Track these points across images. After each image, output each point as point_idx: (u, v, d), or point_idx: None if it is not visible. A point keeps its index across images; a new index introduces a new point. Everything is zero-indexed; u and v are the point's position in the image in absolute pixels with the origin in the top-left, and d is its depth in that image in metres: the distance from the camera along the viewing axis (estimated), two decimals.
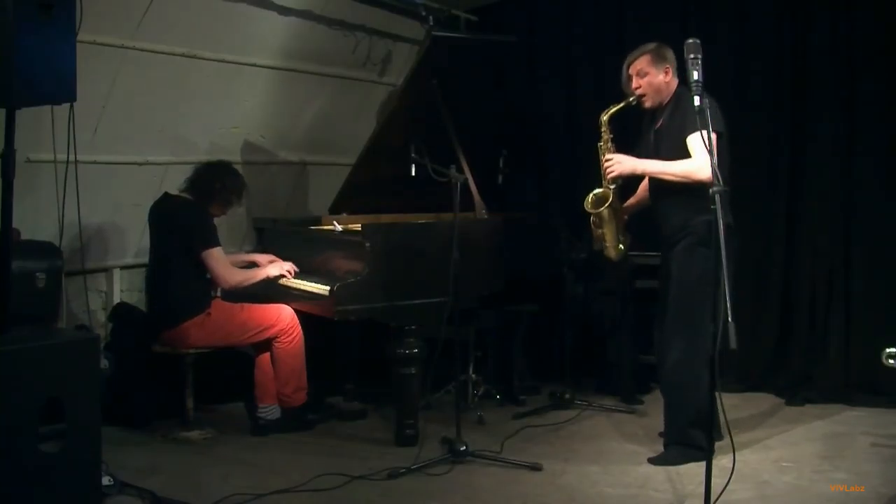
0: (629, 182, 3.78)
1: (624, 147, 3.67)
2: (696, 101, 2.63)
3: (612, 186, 3.59)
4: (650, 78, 3.52)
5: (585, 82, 5.31)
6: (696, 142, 3.29)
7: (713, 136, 3.29)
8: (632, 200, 3.87)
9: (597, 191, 3.62)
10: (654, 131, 3.60)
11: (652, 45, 3.55)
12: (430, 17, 5.05)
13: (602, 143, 3.63)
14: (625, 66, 3.60)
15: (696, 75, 2.66)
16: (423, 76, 4.19)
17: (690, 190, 3.31)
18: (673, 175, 3.39)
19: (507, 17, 5.61)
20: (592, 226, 3.70)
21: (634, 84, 3.56)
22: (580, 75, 5.35)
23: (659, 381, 3.85)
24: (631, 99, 3.57)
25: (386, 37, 5.32)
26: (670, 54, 3.53)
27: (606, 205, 3.58)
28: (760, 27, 4.67)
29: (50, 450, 2.66)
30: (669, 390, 3.55)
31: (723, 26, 4.76)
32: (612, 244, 3.68)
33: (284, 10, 4.59)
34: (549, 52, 5.47)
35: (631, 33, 5.11)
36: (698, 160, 3.26)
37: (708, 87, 2.69)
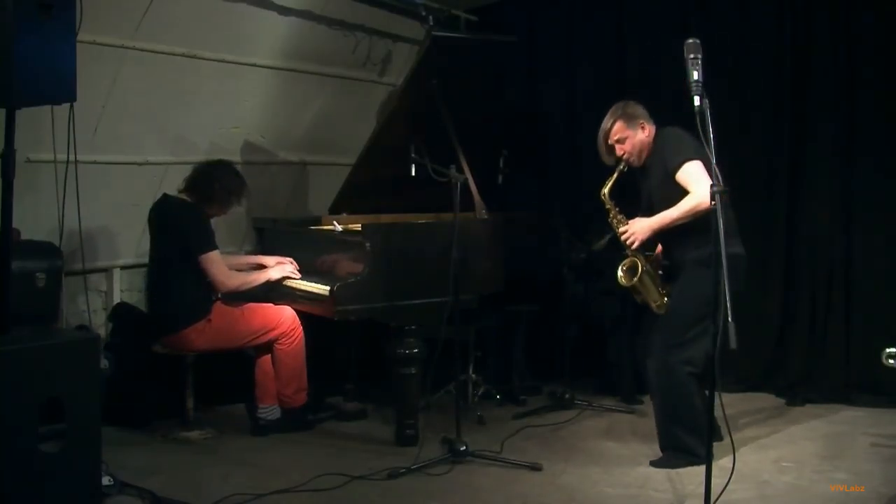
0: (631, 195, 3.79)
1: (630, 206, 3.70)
2: (696, 101, 2.62)
3: (637, 255, 3.62)
4: (630, 140, 3.58)
5: (585, 82, 5.30)
6: (685, 175, 3.36)
7: (692, 163, 3.35)
8: (658, 249, 3.84)
9: (624, 263, 3.65)
10: (645, 181, 3.66)
11: (619, 110, 3.59)
12: (430, 17, 5.05)
13: (611, 218, 3.68)
14: (601, 139, 3.63)
15: (695, 75, 2.66)
16: (423, 76, 4.18)
17: (694, 226, 3.36)
18: (683, 217, 3.40)
19: (507, 17, 5.61)
20: (633, 293, 3.70)
21: (618, 151, 3.61)
22: (580, 75, 5.35)
23: (646, 383, 3.88)
24: (621, 166, 3.62)
25: (386, 37, 5.32)
26: (639, 109, 3.59)
27: (640, 274, 3.60)
28: (760, 27, 4.67)
29: (50, 450, 2.66)
30: (654, 395, 3.59)
31: (723, 26, 4.75)
32: (657, 301, 3.67)
33: (284, 10, 4.59)
34: (549, 52, 5.46)
35: (631, 33, 5.12)
36: (696, 193, 3.32)
37: (708, 87, 2.68)
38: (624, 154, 3.59)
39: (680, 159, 3.37)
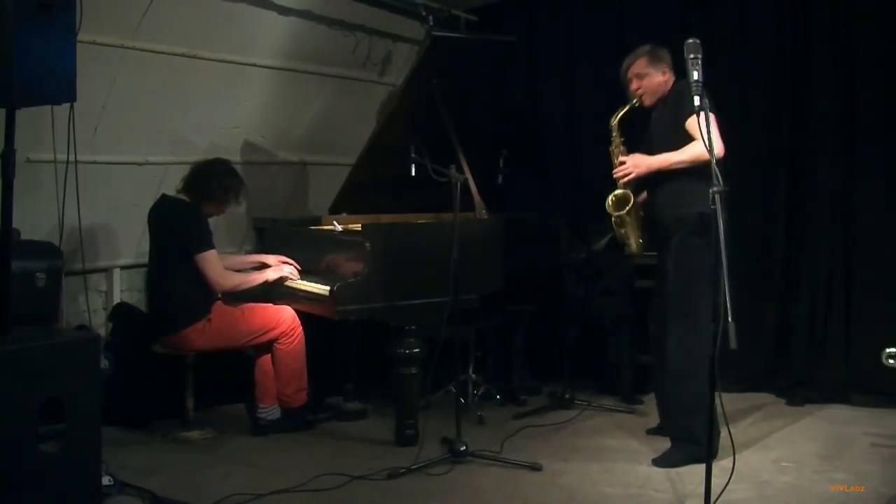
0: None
1: (633, 147, 3.70)
2: (696, 101, 2.63)
3: (629, 188, 3.64)
4: (648, 79, 3.63)
5: (585, 82, 5.30)
6: (694, 123, 3.29)
7: (712, 116, 3.34)
8: (643, 197, 3.86)
9: (616, 192, 3.66)
10: (651, 124, 3.69)
11: (647, 48, 3.66)
12: (430, 17, 5.06)
13: (613, 147, 3.69)
14: (623, 71, 3.70)
15: (696, 75, 2.67)
16: (423, 76, 4.18)
17: (684, 181, 3.39)
18: (684, 162, 3.41)
19: (507, 17, 5.61)
20: (614, 226, 3.74)
21: (634, 86, 3.67)
22: (580, 75, 5.35)
23: (656, 376, 3.87)
24: (634, 101, 3.67)
25: (386, 37, 5.32)
26: (666, 55, 3.63)
27: (629, 207, 3.62)
28: (760, 27, 4.67)
29: (50, 450, 2.66)
30: (672, 380, 3.54)
31: (722, 26, 4.76)
32: (635, 240, 3.73)
33: (284, 10, 4.59)
34: (549, 52, 5.46)
35: (631, 33, 5.11)
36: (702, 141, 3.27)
37: (708, 86, 2.69)
38: (639, 90, 3.64)
39: (693, 109, 3.32)
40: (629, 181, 3.60)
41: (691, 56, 2.69)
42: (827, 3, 4.47)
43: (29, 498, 2.56)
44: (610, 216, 3.70)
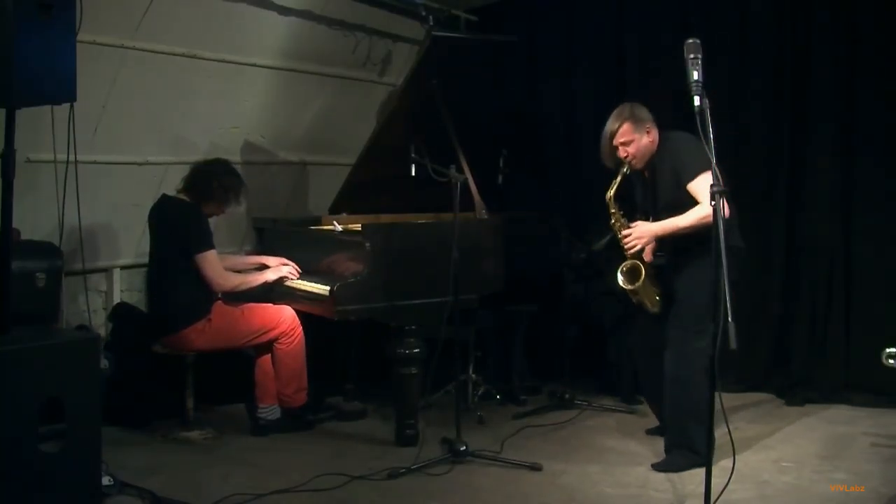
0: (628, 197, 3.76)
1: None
2: (696, 101, 2.62)
3: (637, 258, 3.58)
4: (636, 143, 3.52)
5: (585, 82, 5.30)
6: (697, 186, 3.33)
7: (707, 176, 3.34)
8: (649, 253, 3.77)
9: (626, 264, 3.59)
10: (648, 187, 3.63)
11: (626, 111, 3.53)
12: (430, 17, 5.06)
13: (614, 222, 3.61)
14: (606, 139, 3.57)
15: (695, 75, 2.66)
16: (423, 76, 4.18)
17: (697, 234, 3.34)
18: (690, 227, 3.38)
19: (507, 17, 5.61)
20: (630, 295, 3.64)
21: (622, 153, 3.55)
22: (580, 75, 5.35)
23: (642, 382, 3.88)
24: (625, 169, 3.56)
25: (386, 37, 5.32)
26: (645, 112, 3.55)
27: (642, 279, 3.54)
28: (760, 27, 4.67)
29: (50, 450, 2.66)
30: (670, 387, 3.54)
31: (723, 26, 4.75)
32: (652, 302, 3.63)
33: (284, 10, 4.59)
34: (549, 52, 5.47)
35: (631, 33, 5.13)
36: (707, 204, 3.26)
37: (708, 87, 2.69)
38: (628, 157, 3.54)
39: (695, 170, 3.33)
40: (637, 252, 3.54)
41: (691, 56, 2.68)
42: (827, 3, 4.47)
43: (29, 498, 2.56)
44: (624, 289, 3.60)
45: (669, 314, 3.54)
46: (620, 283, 3.60)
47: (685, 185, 3.39)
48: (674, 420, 3.52)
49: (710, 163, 3.19)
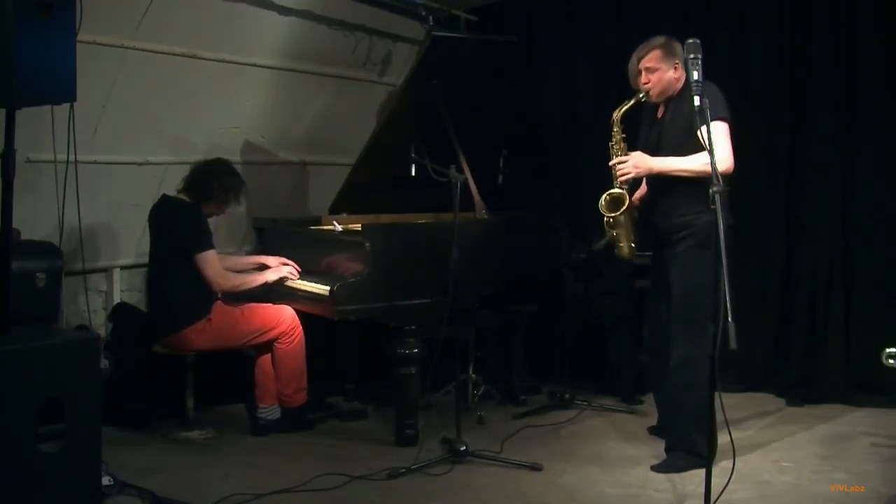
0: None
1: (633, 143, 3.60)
2: (696, 101, 2.63)
3: (625, 187, 3.51)
4: (660, 74, 3.45)
5: (585, 82, 5.31)
6: (714, 128, 3.20)
7: (723, 124, 3.29)
8: (638, 195, 3.75)
9: (611, 191, 3.51)
10: (657, 124, 3.54)
11: (661, 40, 3.47)
12: (430, 17, 5.06)
13: (614, 143, 3.54)
14: (634, 60, 3.50)
15: (696, 75, 2.66)
16: (423, 76, 4.18)
17: (695, 186, 3.24)
18: (691, 172, 3.29)
19: (507, 17, 5.61)
20: (606, 226, 3.59)
21: (643, 79, 3.48)
22: (580, 75, 5.35)
23: (652, 378, 3.86)
24: (640, 95, 3.50)
25: (386, 37, 5.32)
26: (679, 49, 3.42)
27: (624, 208, 3.49)
28: (760, 26, 4.67)
29: (50, 450, 2.66)
30: (674, 392, 3.51)
31: (723, 26, 4.76)
32: (627, 243, 3.61)
33: (284, 10, 4.58)
34: (549, 52, 5.47)
35: (631, 33, 5.11)
36: (718, 153, 3.19)
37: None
38: (648, 84, 3.46)
39: (714, 115, 3.08)
40: (627, 181, 3.47)
41: (691, 56, 2.68)
42: (827, 3, 4.47)
43: (29, 498, 2.56)
44: (602, 216, 3.56)
45: (671, 313, 3.53)
46: (601, 207, 3.53)
47: (700, 126, 3.30)
48: (676, 423, 3.51)
49: (729, 113, 3.08)
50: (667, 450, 3.53)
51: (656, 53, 3.45)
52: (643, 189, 3.80)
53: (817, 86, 4.52)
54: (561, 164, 5.43)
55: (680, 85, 3.46)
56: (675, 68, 3.44)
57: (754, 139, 4.66)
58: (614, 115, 3.53)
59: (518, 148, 4.96)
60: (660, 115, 3.56)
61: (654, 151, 3.49)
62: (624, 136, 3.55)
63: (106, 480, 3.02)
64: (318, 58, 4.97)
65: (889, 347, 3.42)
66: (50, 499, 2.62)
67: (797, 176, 4.62)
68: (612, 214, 3.52)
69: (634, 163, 3.44)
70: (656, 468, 3.45)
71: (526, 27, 5.51)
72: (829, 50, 4.47)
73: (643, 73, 3.48)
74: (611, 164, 3.52)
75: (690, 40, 2.71)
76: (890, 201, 4.34)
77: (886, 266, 4.35)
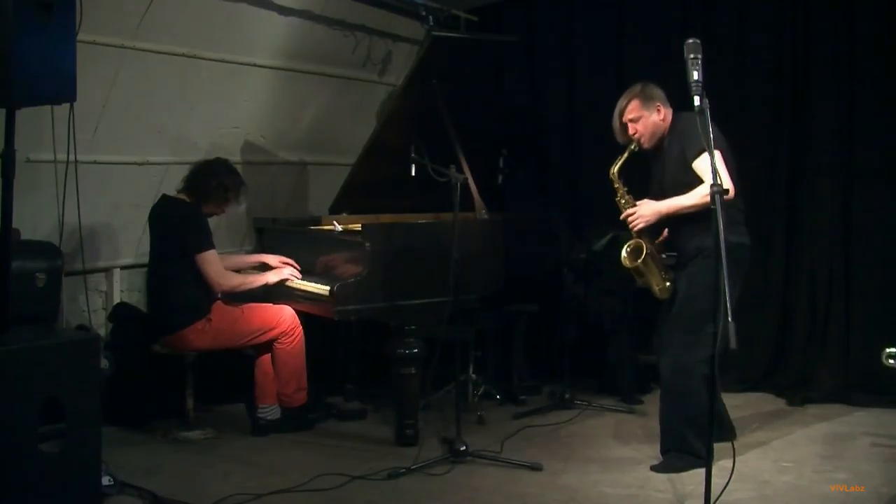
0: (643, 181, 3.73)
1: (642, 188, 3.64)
2: (696, 101, 2.62)
3: (643, 236, 3.56)
4: (644, 121, 3.53)
5: (585, 82, 5.31)
6: (702, 163, 3.30)
7: (718, 154, 3.31)
8: (662, 237, 3.77)
9: (629, 243, 3.58)
10: (659, 162, 3.61)
11: (637, 88, 3.55)
12: (430, 17, 5.06)
13: (619, 198, 3.60)
14: (616, 116, 3.58)
15: (695, 75, 2.65)
16: (423, 76, 4.19)
17: (704, 215, 3.25)
18: (692, 206, 3.36)
19: (507, 17, 5.61)
20: (634, 275, 3.62)
21: (630, 130, 3.56)
22: (580, 75, 5.35)
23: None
24: (632, 146, 3.56)
25: (386, 37, 5.32)
26: (657, 92, 3.54)
27: (644, 256, 3.53)
28: (761, 26, 4.68)
29: (50, 450, 2.65)
30: (666, 394, 3.54)
31: (723, 25, 4.76)
32: (660, 286, 3.61)
33: (284, 10, 4.59)
34: (549, 52, 5.47)
35: (631, 33, 5.12)
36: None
37: (708, 86, 2.68)
38: (636, 134, 3.53)
39: (700, 146, 3.25)
40: (641, 230, 3.53)
41: (691, 56, 2.67)
42: (827, 3, 4.47)
43: (29, 498, 2.56)
44: (627, 265, 3.58)
45: (670, 315, 3.54)
46: (623, 260, 3.58)
47: (690, 163, 3.35)
48: (668, 424, 3.51)
49: (719, 142, 3.14)
50: (663, 452, 3.53)
51: (636, 103, 3.53)
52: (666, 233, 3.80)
53: (818, 86, 4.53)
54: (561, 164, 5.43)
55: (667, 124, 3.55)
56: (658, 110, 3.53)
57: (754, 139, 4.67)
58: (611, 171, 3.59)
59: (518, 148, 4.96)
60: (659, 155, 3.62)
61: (659, 190, 3.55)
62: (626, 188, 3.59)
63: (106, 480, 3.02)
64: (318, 58, 4.97)
65: (889, 347, 3.41)
66: (50, 499, 2.62)
67: (797, 175, 4.62)
68: (635, 265, 3.57)
69: (643, 212, 3.51)
70: (656, 468, 3.46)
71: (526, 27, 5.51)
72: (830, 50, 4.47)
73: (629, 126, 3.56)
74: (621, 217, 3.58)
75: (690, 40, 2.71)
76: (890, 201, 4.34)
77: (886, 266, 4.35)
